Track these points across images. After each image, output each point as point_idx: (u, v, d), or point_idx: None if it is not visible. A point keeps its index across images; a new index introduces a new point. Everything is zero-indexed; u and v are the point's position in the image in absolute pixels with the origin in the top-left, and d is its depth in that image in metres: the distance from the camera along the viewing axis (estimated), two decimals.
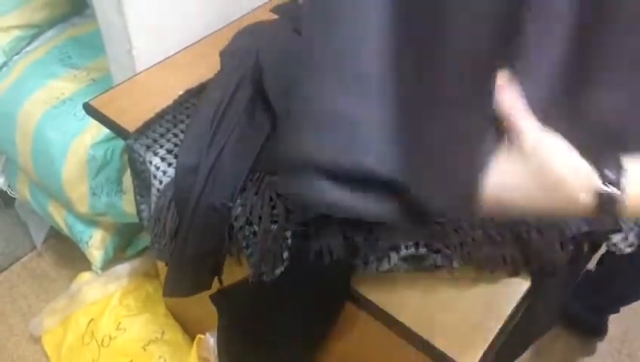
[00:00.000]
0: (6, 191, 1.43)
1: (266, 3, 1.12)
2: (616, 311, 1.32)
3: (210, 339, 0.91)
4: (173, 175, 0.75)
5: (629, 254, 1.05)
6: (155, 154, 0.78)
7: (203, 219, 0.72)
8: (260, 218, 0.69)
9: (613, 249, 0.76)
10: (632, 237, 0.75)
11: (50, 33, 1.37)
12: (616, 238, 0.75)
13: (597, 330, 1.38)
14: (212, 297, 0.89)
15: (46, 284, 1.47)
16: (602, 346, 1.38)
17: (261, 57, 0.85)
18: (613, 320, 1.36)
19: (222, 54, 0.89)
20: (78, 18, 1.40)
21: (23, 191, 1.37)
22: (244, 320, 0.81)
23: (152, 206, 0.78)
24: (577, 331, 1.38)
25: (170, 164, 0.77)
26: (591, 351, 1.38)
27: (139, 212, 0.85)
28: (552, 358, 1.36)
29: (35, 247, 1.55)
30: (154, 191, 0.78)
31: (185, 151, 0.75)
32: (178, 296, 0.81)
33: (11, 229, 1.57)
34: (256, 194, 0.72)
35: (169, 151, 0.79)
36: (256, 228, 0.70)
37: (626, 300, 1.28)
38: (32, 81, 1.24)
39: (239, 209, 0.72)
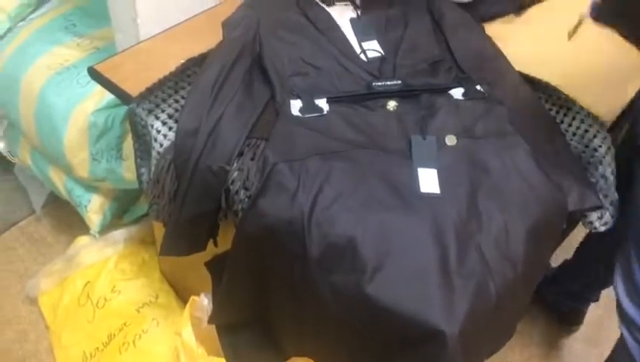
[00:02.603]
0: (5, 156, 1.46)
1: None
2: (596, 298, 1.36)
3: (204, 299, 0.95)
4: (174, 138, 0.79)
5: (603, 239, 1.09)
6: (157, 118, 0.81)
7: (201, 181, 0.76)
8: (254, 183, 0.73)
9: (588, 227, 0.80)
10: (607, 216, 0.79)
11: (55, 1, 1.39)
12: (592, 216, 0.79)
13: (574, 319, 1.42)
14: (207, 263, 0.93)
15: (43, 248, 1.50)
16: (580, 330, 1.43)
17: (261, 30, 0.88)
18: (593, 306, 1.40)
19: (224, 25, 0.92)
20: None
21: (24, 156, 1.40)
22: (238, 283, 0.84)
23: (152, 168, 0.81)
24: (555, 317, 1.42)
25: (170, 128, 0.80)
26: (568, 335, 1.43)
27: (139, 175, 0.88)
28: (532, 340, 1.40)
29: (33, 212, 1.58)
30: (154, 153, 0.81)
31: (185, 116, 0.78)
32: (174, 255, 0.84)
33: (10, 194, 1.59)
34: (252, 159, 0.75)
35: (170, 116, 0.82)
36: (250, 192, 0.73)
37: (603, 285, 1.30)
38: (37, 47, 1.26)
39: (236, 173, 0.75)
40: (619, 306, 0.88)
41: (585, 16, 0.89)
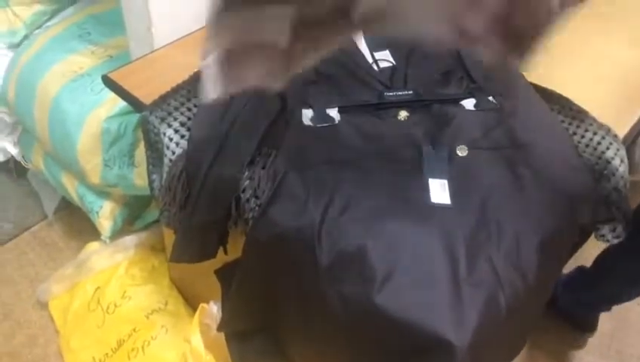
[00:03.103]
0: (19, 162, 1.48)
1: None
2: (608, 308, 1.35)
3: (214, 307, 0.95)
4: (186, 146, 0.79)
5: (623, 255, 1.08)
6: (169, 126, 0.82)
7: (212, 189, 0.76)
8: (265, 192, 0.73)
9: (601, 239, 0.80)
10: (619, 229, 0.78)
11: (70, 9, 1.41)
12: (604, 229, 0.79)
13: (587, 325, 1.41)
14: (217, 271, 0.93)
15: (54, 253, 1.51)
16: (592, 341, 1.41)
17: None
18: (603, 316, 1.39)
19: None
20: None
21: (37, 162, 1.41)
22: (248, 291, 0.84)
23: (164, 175, 0.82)
24: (568, 325, 1.41)
25: (182, 136, 0.81)
26: (581, 346, 1.41)
27: (150, 182, 0.89)
28: (541, 351, 1.39)
29: (45, 217, 1.59)
30: (166, 161, 0.82)
31: (198, 124, 0.79)
32: (184, 262, 0.84)
33: (23, 199, 1.61)
34: (263, 168, 0.76)
35: (182, 124, 0.82)
36: (261, 201, 0.73)
37: (618, 299, 1.30)
38: (52, 55, 1.28)
39: (247, 181, 0.76)
40: None
41: None
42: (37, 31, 1.37)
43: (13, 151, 1.47)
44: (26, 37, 1.35)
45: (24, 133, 1.43)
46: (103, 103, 1.18)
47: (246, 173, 0.76)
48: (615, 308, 1.33)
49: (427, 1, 0.48)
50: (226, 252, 0.85)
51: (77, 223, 1.54)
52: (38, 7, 1.36)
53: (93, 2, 1.43)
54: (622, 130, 0.86)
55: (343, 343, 0.71)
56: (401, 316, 0.63)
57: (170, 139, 0.81)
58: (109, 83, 0.93)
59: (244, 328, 0.87)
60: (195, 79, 0.89)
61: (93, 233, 1.38)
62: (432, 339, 0.62)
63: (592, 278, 1.30)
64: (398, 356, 0.67)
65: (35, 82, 1.25)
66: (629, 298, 1.27)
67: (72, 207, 1.46)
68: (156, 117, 0.83)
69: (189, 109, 0.84)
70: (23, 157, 1.47)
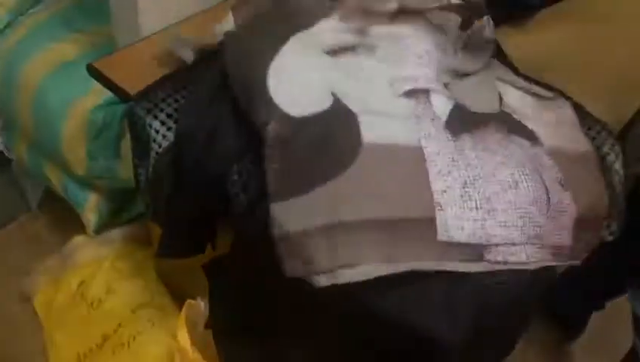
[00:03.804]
0: (2, 152, 1.44)
1: None
2: (602, 306, 1.34)
3: (201, 303, 0.93)
4: (173, 139, 0.77)
5: (612, 251, 1.07)
6: (156, 118, 0.79)
7: (200, 184, 0.74)
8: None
9: None
10: (614, 226, 0.77)
11: None
12: None
13: (579, 324, 1.40)
14: (204, 266, 0.91)
15: (39, 246, 1.48)
16: (582, 337, 1.41)
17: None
18: (595, 314, 1.39)
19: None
20: None
21: (20, 153, 1.38)
22: (235, 288, 0.83)
23: (150, 169, 0.79)
24: (559, 323, 1.41)
25: (169, 128, 0.78)
26: (569, 344, 1.41)
27: (136, 175, 0.86)
28: (532, 348, 1.39)
29: (29, 209, 1.56)
30: (152, 154, 0.79)
31: (185, 116, 0.77)
32: (171, 258, 0.82)
33: (6, 190, 1.58)
34: (252, 163, 0.74)
35: (169, 116, 0.79)
36: (250, 196, 0.71)
37: (609, 296, 1.29)
38: (36, 43, 1.25)
39: (235, 176, 0.74)
40: (634, 315, 0.87)
41: None
42: (20, 18, 1.33)
43: None
44: (8, 24, 1.31)
45: (7, 122, 1.39)
46: (88, 93, 1.15)
47: (235, 168, 0.74)
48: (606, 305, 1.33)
49: None
50: (214, 247, 0.83)
51: (62, 215, 1.51)
52: None
53: None
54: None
55: (332, 341, 0.69)
56: (394, 315, 0.61)
57: (157, 132, 0.78)
58: (93, 72, 0.90)
59: (232, 326, 0.85)
60: (183, 69, 0.86)
61: (79, 225, 1.35)
62: (425, 338, 0.61)
63: (580, 275, 1.30)
64: (388, 354, 0.65)
65: (18, 71, 1.22)
66: (621, 294, 1.27)
67: (57, 198, 1.42)
68: (142, 108, 0.80)
69: (177, 100, 0.81)
70: (6, 147, 1.43)
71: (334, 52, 0.75)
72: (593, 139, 0.80)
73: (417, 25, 0.83)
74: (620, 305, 1.22)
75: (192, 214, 0.77)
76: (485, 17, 0.89)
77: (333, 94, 0.69)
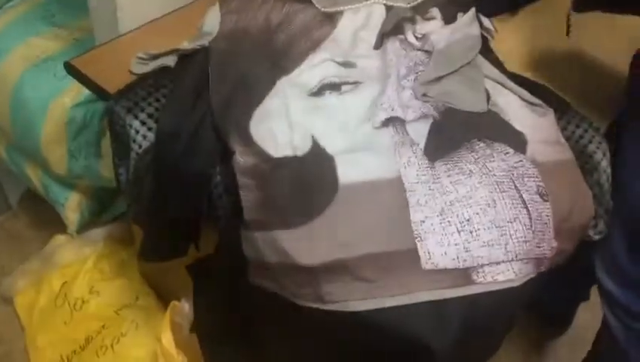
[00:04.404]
0: None
1: None
2: (586, 297, 1.34)
3: (185, 305, 0.92)
4: (153, 139, 0.75)
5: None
6: (136, 117, 0.77)
7: (181, 184, 0.72)
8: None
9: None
10: (601, 225, 0.77)
11: None
12: None
13: (565, 320, 1.41)
14: (188, 267, 0.89)
15: (20, 245, 1.45)
16: (566, 334, 1.42)
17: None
18: (581, 308, 1.39)
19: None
20: None
21: None
22: (220, 288, 0.81)
23: (131, 170, 0.78)
24: (544, 320, 1.41)
25: (150, 128, 0.76)
26: (553, 339, 1.42)
27: (117, 175, 0.84)
28: (516, 347, 1.39)
29: (10, 207, 1.53)
30: (133, 154, 0.77)
31: (166, 117, 0.75)
32: (154, 261, 0.81)
33: None
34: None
35: (150, 115, 0.77)
36: (234, 198, 0.70)
37: (592, 283, 1.29)
38: (13, 38, 1.22)
39: (218, 177, 0.72)
40: (601, 287, 0.87)
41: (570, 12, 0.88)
42: None
43: None
44: None
45: None
46: (67, 90, 1.13)
47: (218, 168, 0.72)
48: (591, 300, 1.33)
49: None
50: (198, 249, 0.81)
51: (43, 213, 1.48)
52: None
53: None
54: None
55: (319, 347, 0.68)
56: (381, 321, 0.61)
57: (137, 132, 0.76)
58: (71, 70, 0.88)
59: (217, 328, 0.83)
60: (164, 67, 0.84)
61: (61, 223, 1.32)
62: (412, 344, 0.60)
63: (566, 271, 1.30)
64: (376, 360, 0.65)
65: None
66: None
67: (38, 196, 1.40)
68: (122, 107, 0.78)
69: (158, 100, 0.79)
70: None
71: (319, 91, 0.76)
72: (580, 137, 0.80)
73: (397, 45, 0.83)
74: None
75: (174, 215, 0.75)
76: (471, 11, 0.88)
77: (312, 138, 0.70)
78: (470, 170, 0.66)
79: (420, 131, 0.69)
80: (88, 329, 1.15)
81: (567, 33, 0.91)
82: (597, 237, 0.77)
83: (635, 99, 0.82)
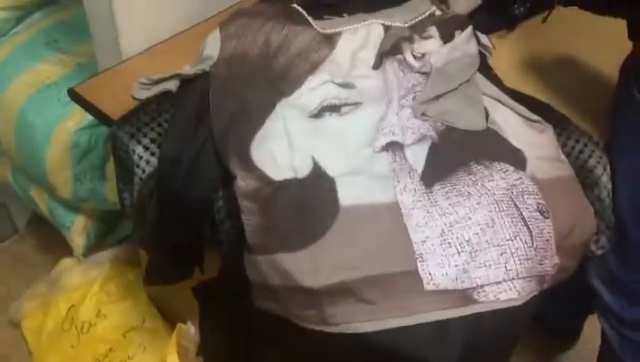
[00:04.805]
0: None
1: None
2: (593, 311, 1.34)
3: (191, 328, 0.92)
4: (156, 164, 0.76)
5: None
6: (139, 143, 0.78)
7: (184, 210, 0.73)
8: None
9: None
10: (603, 240, 0.77)
11: (36, 16, 1.36)
12: None
13: (572, 334, 1.40)
14: (194, 289, 0.90)
15: (27, 269, 1.46)
16: (578, 345, 1.41)
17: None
18: (588, 320, 1.38)
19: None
20: (65, 0, 1.39)
21: (4, 175, 1.36)
22: (225, 311, 0.82)
23: (135, 195, 0.78)
24: (552, 334, 1.40)
25: (153, 154, 0.77)
26: (560, 353, 1.41)
27: (121, 200, 0.85)
28: (528, 358, 1.38)
29: (17, 231, 1.54)
30: (136, 180, 0.78)
31: (169, 141, 0.76)
32: (159, 284, 0.81)
33: None
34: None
35: (152, 141, 0.78)
36: (236, 222, 0.70)
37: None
38: (18, 64, 1.24)
39: (221, 202, 0.73)
40: (595, 296, 0.88)
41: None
42: (2, 39, 1.31)
43: None
44: None
45: None
46: (71, 115, 1.14)
47: (220, 193, 0.73)
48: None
49: None
50: (202, 271, 0.82)
51: (50, 236, 1.49)
52: (2, 15, 1.30)
53: (60, 8, 1.38)
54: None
55: None
56: (386, 342, 0.61)
57: (140, 157, 0.77)
58: (75, 97, 0.89)
59: (222, 350, 0.84)
60: (166, 92, 0.85)
61: (67, 246, 1.33)
62: None
63: (571, 286, 1.29)
64: None
65: (0, 93, 1.20)
66: None
67: (44, 219, 1.41)
68: (125, 133, 0.79)
69: (160, 125, 0.80)
70: None
71: (319, 113, 0.77)
72: (580, 152, 0.80)
73: (396, 67, 0.84)
74: None
75: (178, 240, 0.76)
76: (468, 29, 0.89)
77: (313, 159, 0.71)
78: (468, 193, 0.67)
79: (418, 156, 0.70)
80: (95, 352, 1.15)
81: (543, 21, 0.92)
82: (599, 252, 0.77)
83: (617, 105, 0.83)
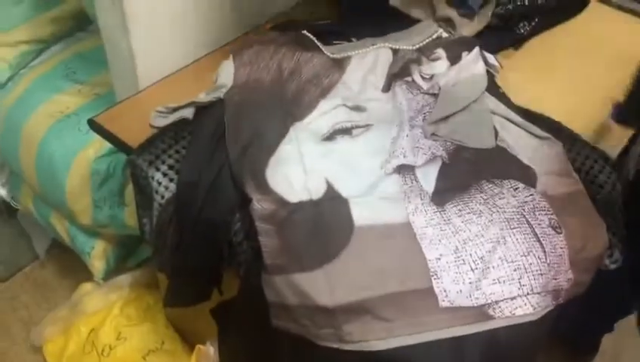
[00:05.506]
0: (9, 202, 1.46)
1: (263, 24, 1.14)
2: (610, 329, 1.32)
3: (210, 349, 0.93)
4: (175, 190, 0.78)
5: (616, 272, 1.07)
6: (157, 169, 0.81)
7: (203, 233, 0.75)
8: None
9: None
10: (616, 254, 0.77)
11: (55, 48, 1.40)
12: None
13: (590, 348, 1.38)
14: (212, 311, 0.91)
15: (48, 294, 1.49)
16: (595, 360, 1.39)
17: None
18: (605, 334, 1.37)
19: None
20: (83, 33, 1.43)
21: (26, 203, 1.39)
22: (244, 331, 0.83)
23: (154, 220, 0.80)
24: (569, 350, 1.39)
25: (171, 180, 0.80)
26: None
27: (141, 225, 0.87)
28: None
29: (37, 257, 1.57)
30: (156, 205, 0.80)
31: (186, 167, 0.78)
32: (179, 307, 0.83)
33: (14, 239, 1.59)
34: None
35: (171, 167, 0.81)
36: (254, 243, 0.72)
37: (617, 317, 1.28)
38: (38, 95, 1.27)
39: (238, 224, 0.75)
40: None
41: (609, 120, 0.91)
42: (22, 71, 1.36)
43: (2, 191, 1.45)
44: (10, 78, 1.34)
45: (12, 174, 1.41)
46: (90, 143, 1.17)
47: (237, 216, 0.75)
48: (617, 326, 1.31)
49: None
50: (221, 293, 0.83)
51: (70, 262, 1.52)
52: (23, 48, 1.34)
53: (78, 40, 1.42)
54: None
55: None
56: (403, 358, 0.62)
57: (159, 183, 0.80)
58: (95, 127, 0.92)
59: None
60: (183, 119, 0.88)
61: (87, 271, 1.36)
62: None
63: (590, 303, 1.28)
64: None
65: (21, 124, 1.24)
66: (628, 313, 1.25)
67: (64, 245, 1.44)
68: (144, 160, 0.82)
69: (178, 151, 0.83)
70: (12, 198, 1.45)
71: (331, 136, 0.80)
72: (590, 168, 0.81)
73: (405, 88, 0.86)
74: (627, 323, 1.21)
75: (197, 263, 0.77)
76: (475, 50, 0.91)
77: (327, 181, 0.73)
78: (480, 211, 0.68)
79: (428, 176, 0.72)
80: None
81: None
82: (613, 266, 0.78)
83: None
